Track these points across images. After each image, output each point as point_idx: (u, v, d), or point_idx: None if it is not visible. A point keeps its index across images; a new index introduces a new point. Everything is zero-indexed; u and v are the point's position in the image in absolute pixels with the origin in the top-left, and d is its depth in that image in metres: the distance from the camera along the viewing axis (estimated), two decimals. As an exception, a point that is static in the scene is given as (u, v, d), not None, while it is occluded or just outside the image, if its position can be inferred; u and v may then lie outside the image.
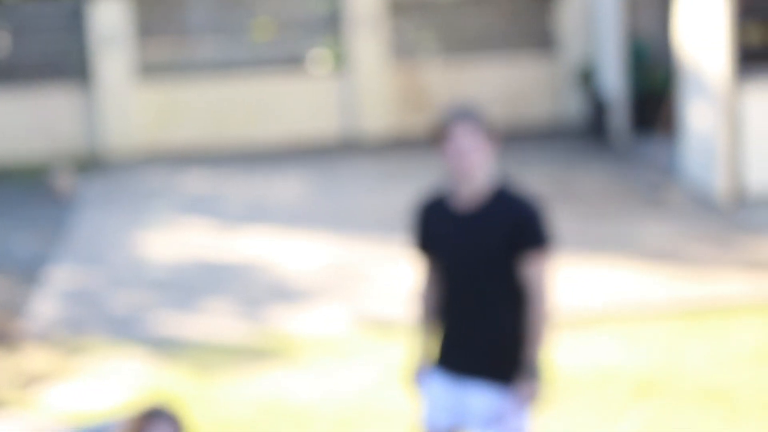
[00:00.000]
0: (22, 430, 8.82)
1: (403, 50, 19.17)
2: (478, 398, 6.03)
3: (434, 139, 6.12)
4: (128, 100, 18.83)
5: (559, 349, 9.84)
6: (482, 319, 6.02)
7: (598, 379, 9.19)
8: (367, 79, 18.90)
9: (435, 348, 6.22)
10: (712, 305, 10.71)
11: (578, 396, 8.91)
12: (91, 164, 18.19)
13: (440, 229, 6.15)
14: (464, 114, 6.10)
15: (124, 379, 9.61)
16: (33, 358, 10.25)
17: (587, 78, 18.36)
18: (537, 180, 15.56)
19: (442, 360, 6.16)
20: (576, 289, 11.29)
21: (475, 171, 6.00)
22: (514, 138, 18.18)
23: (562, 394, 8.90)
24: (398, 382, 6.57)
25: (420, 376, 6.26)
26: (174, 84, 19.02)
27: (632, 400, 8.81)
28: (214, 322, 11.13)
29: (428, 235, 6.21)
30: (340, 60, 19.02)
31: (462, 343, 6.10)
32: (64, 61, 18.96)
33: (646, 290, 11.18)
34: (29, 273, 12.81)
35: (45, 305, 11.78)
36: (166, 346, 10.40)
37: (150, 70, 19.01)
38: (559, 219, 13.73)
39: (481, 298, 6.04)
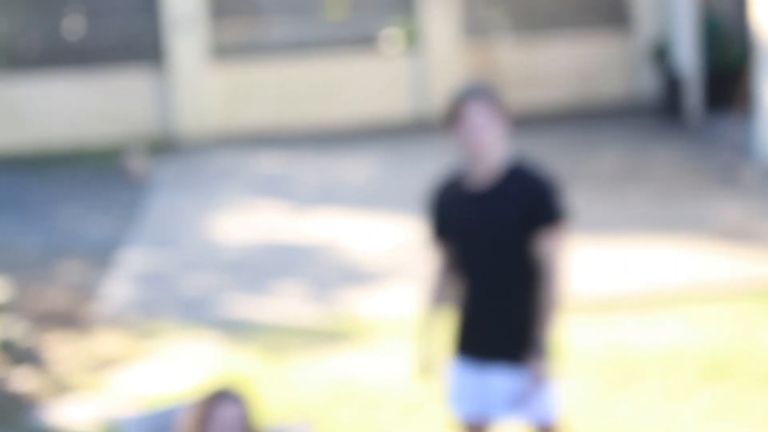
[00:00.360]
0: (94, 414, 8.92)
1: (475, 28, 19.10)
2: (501, 382, 6.00)
3: (447, 120, 6.06)
4: (201, 82, 18.90)
5: (629, 330, 9.88)
6: (500, 300, 5.99)
7: (668, 360, 9.16)
8: (439, 58, 18.86)
9: (454, 336, 6.18)
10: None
11: (647, 377, 8.89)
12: (165, 146, 18.29)
13: (455, 211, 6.11)
14: (477, 93, 6.05)
15: (195, 362, 9.69)
16: (105, 342, 10.35)
17: (661, 55, 18.24)
18: (610, 159, 15.55)
19: (462, 347, 6.13)
20: (647, 269, 11.28)
21: (488, 148, 5.96)
22: (586, 116, 18.20)
23: (632, 376, 8.93)
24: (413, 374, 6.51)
25: (440, 365, 6.25)
26: (247, 65, 19.06)
27: (701, 382, 8.78)
28: (284, 304, 11.19)
29: (443, 219, 6.15)
30: (413, 39, 18.96)
31: (480, 326, 6.06)
32: (138, 43, 19.02)
33: (718, 270, 11.13)
34: (102, 256, 12.92)
35: (117, 288, 11.89)
36: (237, 329, 10.47)
37: (223, 51, 19.05)
38: (632, 198, 13.78)
39: (497, 279, 5.98)
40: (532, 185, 5.94)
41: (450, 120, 6.03)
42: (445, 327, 6.29)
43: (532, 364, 5.87)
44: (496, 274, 5.98)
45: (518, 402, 5.89)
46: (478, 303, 6.03)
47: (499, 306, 5.99)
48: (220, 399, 5.60)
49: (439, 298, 6.21)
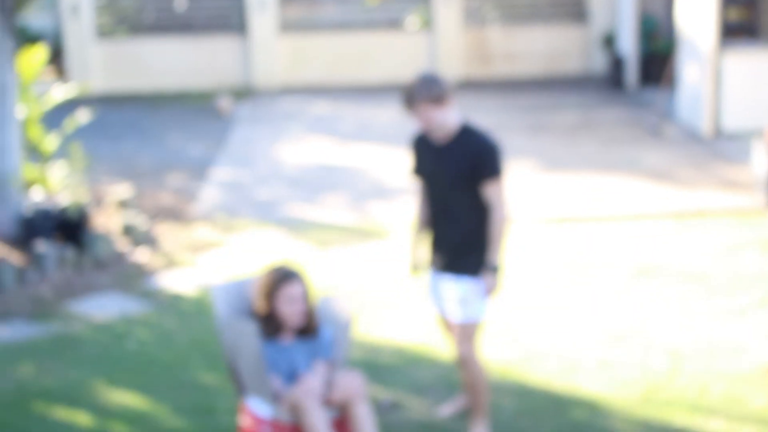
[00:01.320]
0: (192, 282, 8.97)
1: (472, 17, 19.12)
2: (448, 287, 5.88)
3: (405, 107, 5.80)
4: (272, 47, 18.89)
5: (577, 240, 9.89)
6: (451, 226, 5.85)
7: (608, 265, 9.17)
8: (446, 37, 18.86)
9: (428, 249, 6.06)
10: (694, 212, 10.66)
11: (590, 276, 8.90)
12: (244, 93, 18.31)
13: (425, 157, 5.96)
14: (423, 88, 5.74)
15: (264, 248, 9.72)
16: (200, 232, 10.39)
17: (609, 41, 18.28)
18: (568, 116, 15.50)
19: (431, 259, 6.00)
20: (594, 196, 11.27)
21: (437, 126, 5.77)
22: (552, 85, 18.20)
23: (580, 276, 8.93)
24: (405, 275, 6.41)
25: (418, 269, 6.17)
26: (305, 36, 19.08)
27: (631, 278, 8.80)
28: (330, 210, 11.20)
29: (418, 162, 6.03)
30: (427, 23, 18.98)
31: (439, 246, 5.92)
32: (228, 17, 19.06)
33: (647, 199, 11.13)
34: (199, 170, 12.93)
35: (209, 193, 11.90)
36: (296, 226, 10.47)
37: (288, 25, 19.07)
38: (584, 145, 13.75)
39: (450, 211, 5.85)
40: (476, 147, 5.74)
41: (407, 109, 5.79)
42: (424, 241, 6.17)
43: (484, 277, 5.76)
44: (449, 208, 5.85)
45: (461, 303, 5.81)
46: (437, 228, 5.94)
47: (451, 232, 5.87)
48: (285, 272, 5.56)
49: (422, 218, 6.15)
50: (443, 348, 7.16)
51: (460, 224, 5.84)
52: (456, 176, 5.77)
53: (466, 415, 6.16)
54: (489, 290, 5.79)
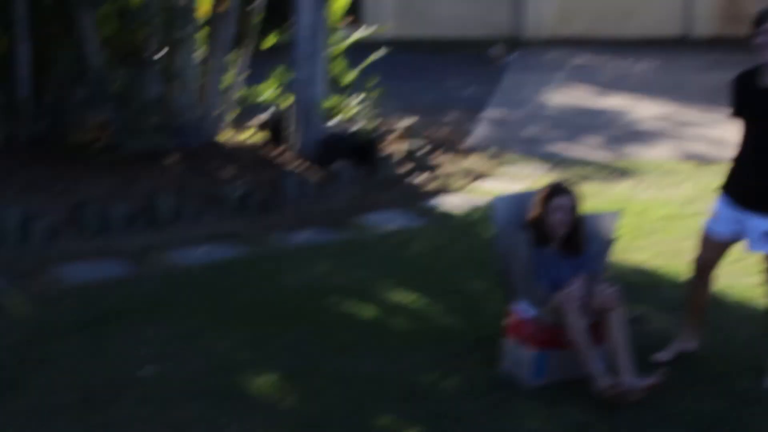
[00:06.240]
0: (463, 203, 9.01)
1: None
2: (755, 222, 5.30)
3: (751, 33, 5.20)
4: (540, 3, 18.70)
5: None
6: (763, 169, 5.27)
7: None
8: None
9: (726, 180, 5.47)
10: None
11: None
12: (515, 43, 18.17)
13: (747, 98, 5.33)
14: None
15: (528, 179, 9.67)
16: (473, 162, 10.42)
17: None
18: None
19: (729, 190, 5.43)
20: None
21: None
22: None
23: None
24: (704, 197, 6.16)
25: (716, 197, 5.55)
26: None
27: None
28: (588, 148, 11.01)
29: (739, 101, 5.38)
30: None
31: (744, 182, 5.34)
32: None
33: None
34: (473, 109, 12.95)
35: (482, 129, 11.90)
36: (557, 161, 10.34)
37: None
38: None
39: (764, 154, 5.26)
40: None
41: (752, 34, 5.20)
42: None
43: None
44: (764, 150, 5.26)
45: (763, 240, 5.36)
46: (746, 166, 5.35)
47: (762, 172, 5.28)
48: (559, 187, 5.56)
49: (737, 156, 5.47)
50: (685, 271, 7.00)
51: None
52: None
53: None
54: None
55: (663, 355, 5.60)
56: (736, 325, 6.16)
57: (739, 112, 5.39)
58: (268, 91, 11.04)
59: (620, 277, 6.58)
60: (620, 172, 9.96)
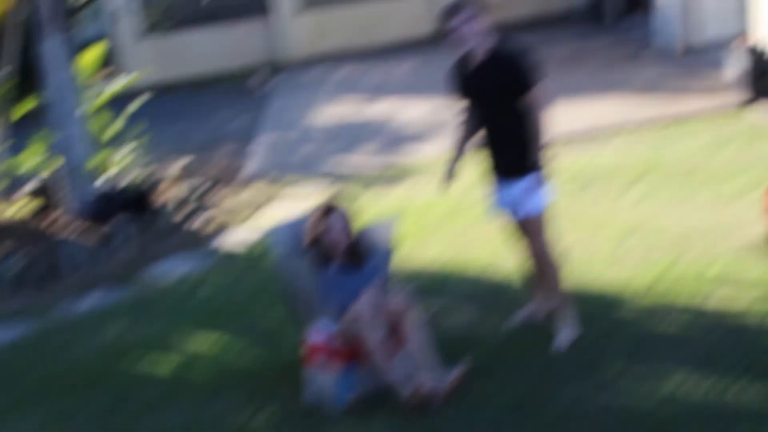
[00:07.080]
0: (250, 236, 8.88)
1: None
2: (513, 189, 5.57)
3: (441, 30, 5.55)
4: (295, 23, 18.76)
5: (583, 155, 9.76)
6: (501, 139, 5.60)
7: (610, 170, 9.06)
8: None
9: (485, 165, 5.75)
10: (680, 118, 10.54)
11: (597, 180, 8.81)
12: (276, 68, 18.16)
13: (465, 80, 5.64)
14: (455, 8, 5.47)
15: (309, 198, 9.62)
16: (254, 192, 10.30)
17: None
18: (559, 48, 15.28)
19: (489, 171, 5.72)
20: (590, 117, 11.13)
21: (473, 44, 5.47)
22: (542, 22, 17.91)
23: (588, 181, 8.82)
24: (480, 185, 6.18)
25: (450, 174, 5.93)
26: (323, 11, 18.91)
27: (633, 180, 8.68)
28: (362, 159, 11.12)
29: (460, 85, 5.70)
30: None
31: (493, 157, 5.66)
32: (251, 2, 18.89)
33: (636, 114, 10.99)
34: (246, 139, 12.84)
35: (257, 158, 11.82)
36: (336, 176, 10.41)
37: (309, 2, 18.89)
38: (575, 72, 13.56)
39: (498, 125, 5.59)
40: (510, 61, 5.45)
41: (443, 31, 5.53)
42: (471, 159, 5.94)
43: (533, 174, 5.51)
44: (497, 122, 5.60)
45: (524, 194, 5.61)
46: (489, 142, 5.66)
47: (501, 143, 5.61)
48: (329, 207, 5.55)
49: (462, 138, 5.92)
50: (477, 262, 7.11)
51: (511, 134, 5.55)
52: (496, 92, 5.49)
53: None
54: (538, 183, 5.53)
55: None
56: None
57: (462, 95, 5.75)
58: (32, 158, 10.61)
59: (413, 278, 6.64)
60: (398, 176, 10.09)
